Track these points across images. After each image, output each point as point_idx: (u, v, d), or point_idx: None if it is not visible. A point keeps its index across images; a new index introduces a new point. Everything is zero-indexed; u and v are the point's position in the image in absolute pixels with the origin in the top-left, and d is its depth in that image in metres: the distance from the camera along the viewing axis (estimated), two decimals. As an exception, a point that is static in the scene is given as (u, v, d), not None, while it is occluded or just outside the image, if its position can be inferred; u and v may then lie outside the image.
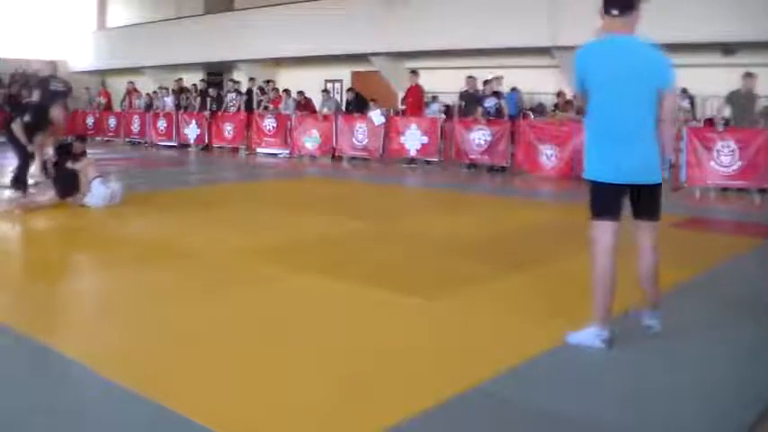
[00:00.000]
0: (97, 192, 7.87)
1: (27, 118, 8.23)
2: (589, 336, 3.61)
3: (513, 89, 15.19)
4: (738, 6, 12.44)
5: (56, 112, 8.44)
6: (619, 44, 3.58)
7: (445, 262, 5.63)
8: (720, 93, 11.17)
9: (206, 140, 17.60)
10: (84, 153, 8.83)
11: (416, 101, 14.55)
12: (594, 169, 3.62)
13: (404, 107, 14.99)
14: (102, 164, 9.42)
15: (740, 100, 10.78)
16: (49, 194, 7.86)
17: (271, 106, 16.79)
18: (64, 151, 8.24)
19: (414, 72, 14.67)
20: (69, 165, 8.03)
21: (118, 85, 23.41)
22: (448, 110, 15.75)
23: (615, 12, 3.57)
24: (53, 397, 2.96)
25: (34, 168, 8.49)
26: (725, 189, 10.50)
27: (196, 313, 4.14)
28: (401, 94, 17.46)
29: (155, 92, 21.10)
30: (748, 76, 10.77)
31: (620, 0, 3.57)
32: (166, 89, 19.90)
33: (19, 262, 5.62)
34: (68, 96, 9.80)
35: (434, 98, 15.12)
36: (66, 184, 7.90)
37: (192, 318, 4.06)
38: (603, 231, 3.62)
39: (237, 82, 18.48)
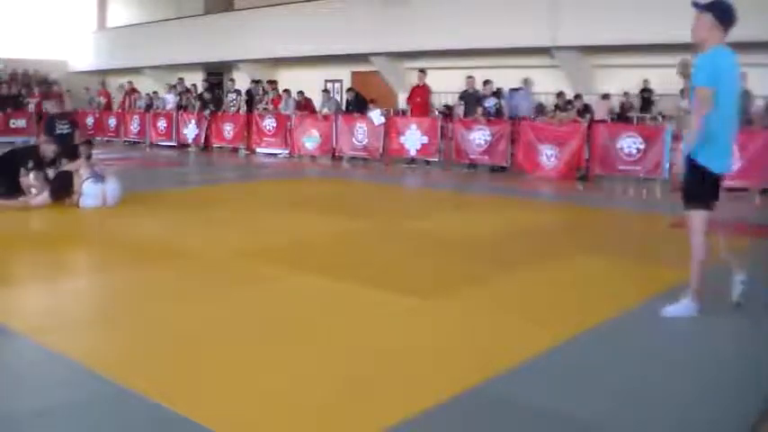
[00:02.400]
0: (89, 191, 7.85)
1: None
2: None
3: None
4: (738, 6, 12.41)
5: (45, 148, 8.30)
6: (732, 55, 4.09)
7: (445, 262, 5.63)
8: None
9: (206, 140, 17.57)
10: (89, 157, 8.84)
11: (425, 101, 14.55)
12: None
13: (410, 107, 14.92)
14: (102, 164, 9.41)
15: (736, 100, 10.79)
16: (42, 195, 7.81)
17: (271, 106, 16.79)
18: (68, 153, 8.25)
19: (422, 71, 14.65)
20: (66, 167, 8.02)
21: (118, 85, 23.42)
22: (448, 109, 15.74)
23: (731, 27, 4.04)
24: (52, 397, 2.96)
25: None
26: (729, 189, 10.49)
27: (196, 313, 4.14)
28: (401, 94, 17.48)
29: (155, 92, 21.12)
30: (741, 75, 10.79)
31: (735, 19, 4.05)
32: (174, 86, 19.88)
33: (17, 262, 5.61)
34: (76, 132, 9.71)
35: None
36: (61, 184, 7.89)
37: (192, 318, 4.06)
38: None
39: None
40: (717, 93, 3.92)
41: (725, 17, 3.99)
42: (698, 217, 4.14)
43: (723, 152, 4.09)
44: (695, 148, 4.04)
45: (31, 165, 7.94)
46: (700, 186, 4.11)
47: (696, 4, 4.04)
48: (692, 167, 4.09)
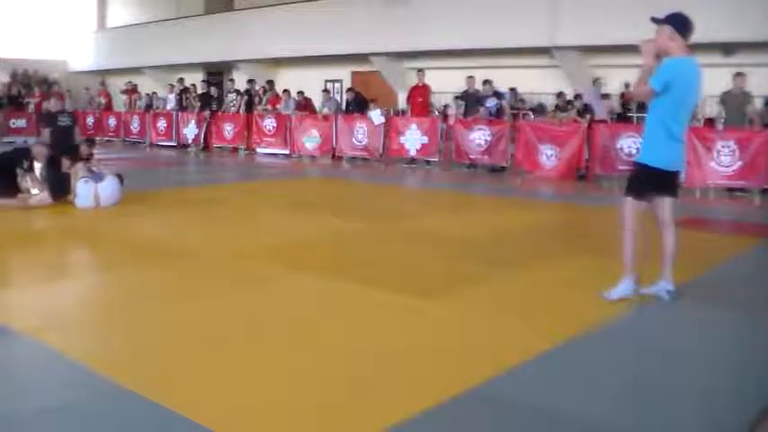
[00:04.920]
0: (80, 192, 7.85)
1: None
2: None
3: (596, 81, 14.60)
4: (738, 6, 12.43)
5: (38, 149, 8.43)
6: (695, 64, 4.35)
7: (445, 262, 5.63)
8: (720, 93, 11.20)
9: (206, 141, 17.57)
10: (90, 156, 8.85)
11: (426, 101, 14.55)
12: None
13: (409, 106, 14.92)
14: (102, 164, 9.42)
15: (733, 100, 10.81)
16: (41, 195, 7.83)
17: (269, 107, 16.77)
18: (69, 153, 8.27)
19: (420, 71, 14.66)
20: (64, 168, 8.03)
21: (118, 85, 23.42)
22: (447, 109, 15.72)
23: (689, 37, 4.30)
24: (52, 397, 2.96)
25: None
26: (729, 189, 10.50)
27: (196, 313, 4.14)
28: (401, 94, 17.47)
29: (154, 92, 21.12)
30: (739, 75, 10.81)
31: (692, 29, 4.30)
32: (172, 85, 19.90)
33: (17, 262, 5.61)
34: (76, 126, 10.07)
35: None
36: (59, 185, 7.90)
37: (192, 318, 4.06)
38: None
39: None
40: (665, 99, 4.23)
41: (682, 27, 4.29)
42: (628, 205, 4.45)
43: (666, 150, 4.35)
44: (642, 148, 4.55)
45: (26, 165, 7.97)
46: (638, 179, 4.46)
47: (655, 20, 4.34)
48: (636, 163, 4.56)
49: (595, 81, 13.63)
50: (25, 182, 7.85)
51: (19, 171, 7.85)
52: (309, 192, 10.90)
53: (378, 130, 14.27)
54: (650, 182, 4.40)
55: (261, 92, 17.41)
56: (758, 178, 10.11)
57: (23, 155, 8.15)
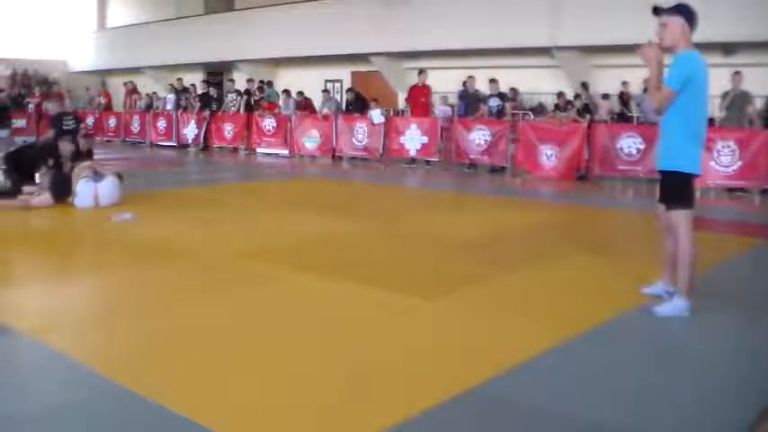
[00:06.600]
0: (80, 191, 7.84)
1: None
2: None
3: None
4: (738, 6, 12.44)
5: (64, 146, 8.43)
6: (703, 60, 4.11)
7: (445, 262, 5.63)
8: (720, 93, 11.20)
9: (206, 141, 17.57)
10: (90, 152, 8.84)
11: (428, 101, 14.60)
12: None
13: (409, 106, 14.94)
14: (102, 164, 9.42)
15: (733, 100, 10.81)
16: (43, 196, 7.83)
17: (265, 112, 16.72)
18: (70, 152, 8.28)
19: (423, 71, 14.68)
20: (66, 169, 8.03)
21: (118, 85, 23.44)
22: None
23: (695, 30, 4.07)
24: (52, 397, 2.96)
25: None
26: (729, 189, 10.50)
27: (195, 313, 4.14)
28: (401, 94, 17.49)
29: (154, 92, 21.13)
30: (736, 74, 10.82)
31: (698, 22, 4.07)
32: (171, 85, 19.91)
33: (17, 262, 5.61)
34: (80, 130, 10.14)
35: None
36: (61, 187, 7.90)
37: (192, 318, 4.06)
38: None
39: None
40: (686, 96, 3.99)
41: (692, 18, 4.07)
42: (686, 218, 4.13)
43: (696, 153, 4.11)
44: (670, 154, 4.14)
45: (51, 163, 7.94)
46: (683, 188, 4.15)
47: (663, 10, 4.07)
48: (673, 173, 4.14)
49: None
50: (41, 181, 7.83)
51: (43, 168, 7.83)
52: (309, 192, 10.89)
53: (378, 129, 14.28)
54: (690, 188, 4.12)
55: (256, 92, 17.38)
56: (758, 178, 10.11)
57: (49, 152, 8.10)
